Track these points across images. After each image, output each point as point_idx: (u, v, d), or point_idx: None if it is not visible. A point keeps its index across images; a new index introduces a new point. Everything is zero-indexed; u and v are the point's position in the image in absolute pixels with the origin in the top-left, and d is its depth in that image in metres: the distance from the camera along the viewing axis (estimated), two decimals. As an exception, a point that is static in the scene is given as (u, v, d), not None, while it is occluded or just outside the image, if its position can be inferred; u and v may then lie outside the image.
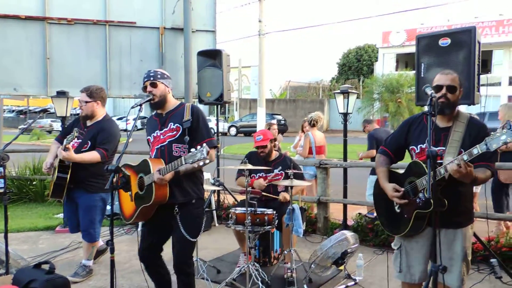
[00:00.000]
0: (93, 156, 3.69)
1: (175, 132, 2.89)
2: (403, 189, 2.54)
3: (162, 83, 2.90)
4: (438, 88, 2.49)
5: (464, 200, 2.56)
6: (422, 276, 2.61)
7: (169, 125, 2.91)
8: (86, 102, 3.81)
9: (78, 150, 3.71)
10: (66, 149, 3.51)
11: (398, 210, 2.62)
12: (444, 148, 2.47)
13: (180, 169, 2.70)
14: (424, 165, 2.43)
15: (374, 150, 5.82)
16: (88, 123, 3.88)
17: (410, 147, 2.65)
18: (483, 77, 3.82)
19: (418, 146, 2.59)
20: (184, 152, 2.84)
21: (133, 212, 2.90)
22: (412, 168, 2.56)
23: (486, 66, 27.63)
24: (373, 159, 5.83)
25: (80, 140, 3.79)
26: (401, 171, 2.73)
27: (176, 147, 2.88)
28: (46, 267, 3.03)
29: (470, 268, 2.64)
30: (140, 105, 2.84)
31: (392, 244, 2.79)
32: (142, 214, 2.88)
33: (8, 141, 3.62)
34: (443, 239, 2.51)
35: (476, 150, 2.22)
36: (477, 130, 2.48)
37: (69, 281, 3.04)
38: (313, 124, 6.40)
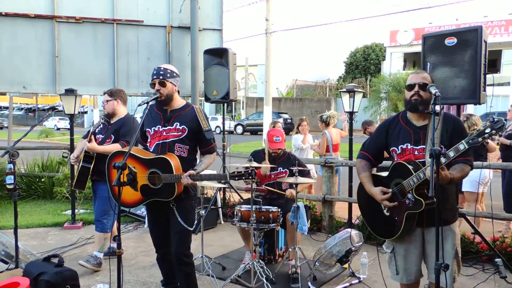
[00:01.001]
0: (115, 147, 3.90)
1: (180, 133, 2.96)
2: (390, 190, 2.54)
3: (170, 82, 2.95)
4: (410, 87, 2.54)
5: (449, 197, 2.60)
6: (418, 275, 2.65)
7: (175, 125, 2.96)
8: (108, 101, 4.13)
9: (101, 144, 4.01)
10: (89, 140, 3.82)
11: (387, 214, 2.61)
12: (424, 146, 2.49)
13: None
14: (409, 166, 2.45)
15: None
16: (111, 121, 4.18)
17: (391, 149, 2.65)
18: (490, 77, 3.81)
19: (399, 147, 2.60)
20: (184, 153, 2.97)
21: (138, 201, 3.00)
22: (396, 170, 2.56)
23: (495, 66, 27.38)
24: None
25: (103, 136, 4.09)
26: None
27: (178, 147, 2.96)
28: (55, 260, 3.09)
29: (461, 267, 2.64)
30: (147, 103, 2.89)
31: (384, 247, 2.79)
32: (149, 202, 2.99)
33: (21, 141, 3.72)
34: (434, 238, 2.52)
35: (462, 145, 2.25)
36: (452, 124, 2.51)
37: (77, 274, 3.12)
38: (328, 122, 6.42)
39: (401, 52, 30.32)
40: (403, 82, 20.00)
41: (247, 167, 3.01)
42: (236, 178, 2.91)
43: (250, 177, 2.88)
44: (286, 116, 26.65)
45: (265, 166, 4.18)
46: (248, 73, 34.35)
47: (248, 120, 28.24)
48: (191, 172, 2.83)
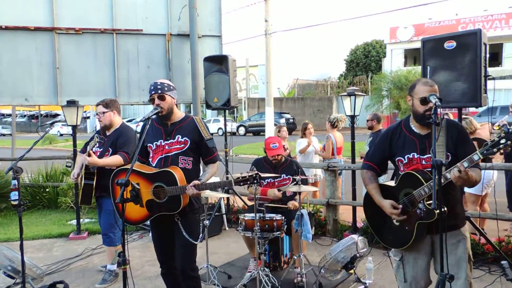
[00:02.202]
0: (115, 159, 3.88)
1: (183, 145, 2.96)
2: (401, 206, 2.52)
3: (169, 95, 2.95)
4: (424, 101, 2.45)
5: (456, 202, 2.59)
6: (427, 282, 2.64)
7: (177, 138, 2.97)
8: (104, 112, 4.06)
9: (100, 158, 3.95)
10: (89, 155, 3.76)
11: (397, 223, 2.59)
12: (430, 155, 2.46)
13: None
14: (419, 176, 2.43)
15: None
16: (107, 132, 4.12)
17: (397, 159, 2.62)
18: (492, 71, 3.80)
19: (405, 157, 2.57)
20: (188, 165, 2.98)
21: (145, 217, 2.98)
22: (406, 180, 2.53)
23: (496, 59, 27.29)
24: None
25: (101, 149, 4.03)
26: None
27: (182, 159, 2.96)
28: (61, 286, 3.08)
29: (473, 268, 2.64)
30: (148, 118, 2.89)
31: (392, 254, 2.77)
32: (154, 217, 2.99)
33: (23, 148, 3.74)
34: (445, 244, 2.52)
35: (477, 156, 2.23)
36: (456, 131, 2.50)
37: None
38: (336, 125, 6.38)
39: (401, 49, 30.25)
40: (404, 79, 19.96)
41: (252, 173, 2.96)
42: (241, 184, 2.89)
43: (256, 182, 2.85)
44: (288, 116, 26.65)
45: (274, 193, 4.20)
46: (249, 73, 34.36)
47: (250, 121, 28.25)
48: (196, 182, 2.82)
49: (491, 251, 4.26)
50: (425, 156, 2.51)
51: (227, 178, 3.05)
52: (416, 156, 2.54)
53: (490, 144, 2.20)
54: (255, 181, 2.84)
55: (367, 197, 2.77)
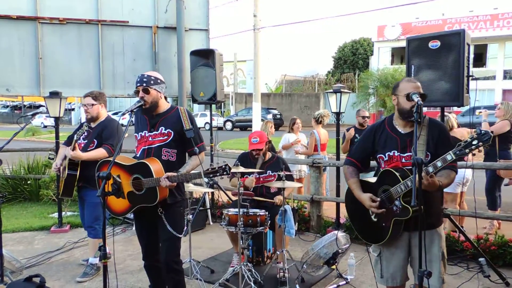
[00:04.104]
0: (99, 152, 3.87)
1: (166, 137, 2.93)
2: (379, 199, 2.56)
3: (154, 89, 2.92)
4: (410, 97, 2.46)
5: (435, 201, 2.63)
6: (404, 279, 2.69)
7: (160, 129, 2.94)
8: (93, 104, 4.04)
9: (84, 150, 3.95)
10: (73, 148, 3.75)
11: (375, 219, 2.64)
12: (411, 154, 2.50)
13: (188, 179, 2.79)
14: (396, 173, 2.47)
15: None
16: (93, 124, 4.09)
17: (378, 155, 2.67)
18: (476, 71, 3.86)
19: (386, 154, 2.61)
20: (172, 157, 2.95)
21: (127, 209, 2.98)
22: (384, 177, 2.58)
23: (481, 60, 27.74)
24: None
25: (86, 141, 4.01)
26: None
27: (166, 152, 2.94)
28: (37, 280, 3.04)
29: (447, 266, 2.69)
30: (131, 110, 2.86)
31: (371, 250, 2.82)
32: (137, 209, 2.97)
33: (5, 139, 3.67)
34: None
35: (450, 156, 2.27)
36: (437, 132, 2.54)
37: None
38: (320, 121, 6.39)
39: (388, 47, 30.54)
40: (390, 77, 20.14)
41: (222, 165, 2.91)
42: (211, 176, 2.83)
43: (225, 173, 2.79)
44: (275, 112, 26.70)
45: (251, 179, 4.20)
46: (236, 68, 34.24)
47: (238, 116, 28.22)
48: (169, 174, 2.78)
49: (469, 248, 4.34)
50: (405, 154, 2.55)
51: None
52: (396, 153, 2.58)
53: (463, 144, 2.24)
54: (224, 173, 2.79)
55: (348, 193, 2.80)
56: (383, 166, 2.64)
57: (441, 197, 2.75)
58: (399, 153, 2.57)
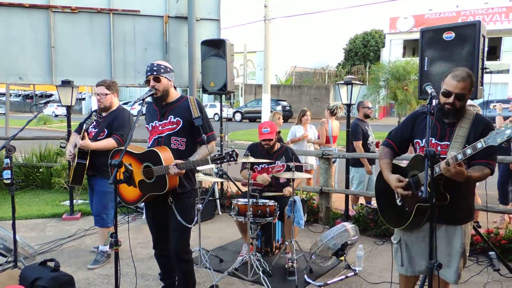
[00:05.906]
0: (108, 142, 3.89)
1: (175, 126, 2.95)
2: (406, 179, 2.54)
3: (165, 77, 2.93)
4: (447, 94, 2.44)
5: (464, 196, 2.56)
6: (422, 269, 2.66)
7: (169, 118, 2.96)
8: (106, 94, 4.04)
9: (95, 139, 3.96)
10: (83, 137, 3.77)
11: (399, 203, 2.63)
12: (448, 143, 2.47)
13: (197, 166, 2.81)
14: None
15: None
16: (104, 114, 4.10)
17: (415, 141, 2.66)
18: (490, 64, 3.79)
19: (423, 140, 2.58)
20: (181, 146, 2.96)
21: (139, 197, 3.01)
22: (415, 162, 2.56)
23: (495, 53, 27.26)
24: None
25: (96, 129, 4.02)
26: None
27: (175, 140, 2.95)
28: (51, 264, 3.09)
29: (467, 262, 2.67)
30: (143, 99, 2.88)
31: (392, 238, 2.82)
32: (148, 199, 3.00)
33: (18, 128, 3.71)
34: (444, 234, 2.54)
35: (480, 144, 2.19)
36: (482, 127, 2.46)
37: (73, 278, 3.11)
38: (335, 112, 6.35)
39: (400, 39, 30.12)
40: (402, 70, 19.88)
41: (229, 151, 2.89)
42: (218, 162, 2.82)
43: (232, 159, 2.77)
44: (284, 103, 26.60)
45: (264, 178, 4.20)
46: (246, 59, 34.12)
47: (247, 107, 28.16)
48: (177, 161, 2.78)
49: (480, 242, 4.31)
50: (442, 143, 2.51)
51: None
52: (434, 141, 2.54)
53: (494, 133, 2.16)
54: (232, 159, 2.77)
55: (380, 174, 2.79)
56: (418, 151, 2.62)
57: (472, 193, 2.67)
58: (436, 141, 2.53)
